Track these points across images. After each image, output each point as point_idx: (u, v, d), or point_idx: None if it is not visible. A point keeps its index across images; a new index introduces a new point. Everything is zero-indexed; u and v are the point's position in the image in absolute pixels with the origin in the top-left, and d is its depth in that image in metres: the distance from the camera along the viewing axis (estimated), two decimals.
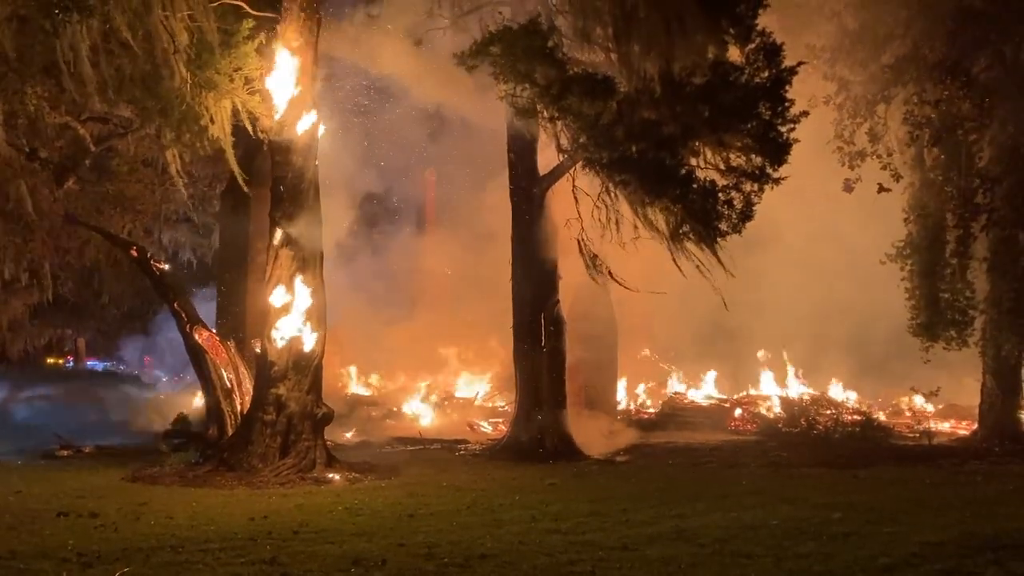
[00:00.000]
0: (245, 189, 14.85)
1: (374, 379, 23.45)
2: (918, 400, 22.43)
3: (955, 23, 17.22)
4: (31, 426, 18.76)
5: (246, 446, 13.01)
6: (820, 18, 18.75)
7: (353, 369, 23.08)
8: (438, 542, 8.40)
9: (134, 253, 16.25)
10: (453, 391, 23.08)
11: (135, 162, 19.42)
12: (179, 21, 12.22)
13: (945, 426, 21.33)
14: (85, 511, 9.77)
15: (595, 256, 15.22)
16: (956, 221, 18.16)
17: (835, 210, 21.56)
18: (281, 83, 13.39)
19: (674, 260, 13.70)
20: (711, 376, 25.13)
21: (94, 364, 36.55)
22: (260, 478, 12.41)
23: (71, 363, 36.77)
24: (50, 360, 35.31)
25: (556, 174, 15.71)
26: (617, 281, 15.37)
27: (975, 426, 19.19)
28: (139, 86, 13.30)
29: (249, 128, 13.75)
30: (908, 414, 22.36)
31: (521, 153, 16.34)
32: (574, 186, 14.96)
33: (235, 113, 13.70)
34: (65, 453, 15.53)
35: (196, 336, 15.01)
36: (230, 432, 14.26)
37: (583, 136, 13.62)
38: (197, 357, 15.05)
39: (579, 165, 14.53)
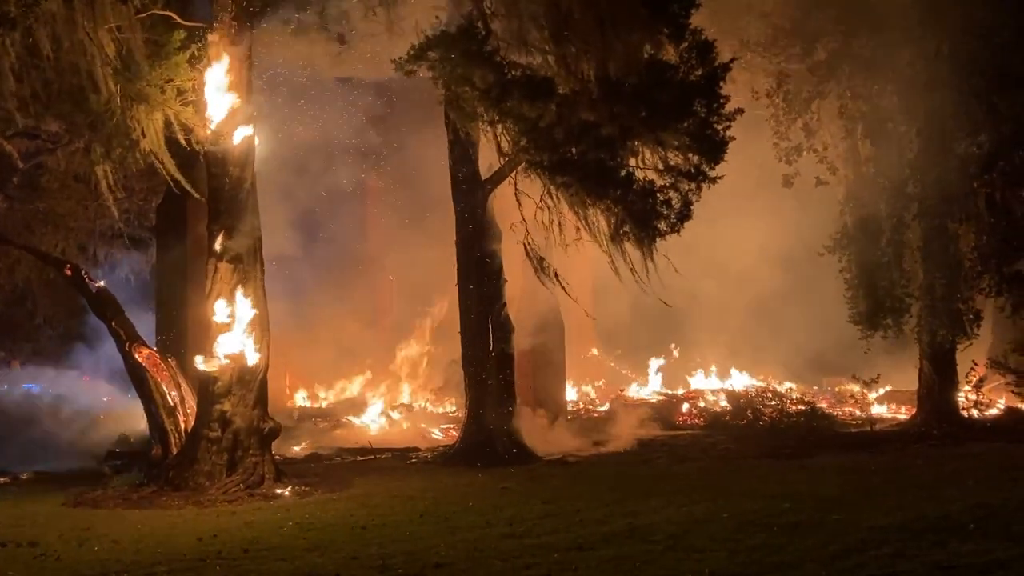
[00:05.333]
0: (195, 194, 14.51)
1: (321, 391, 23.16)
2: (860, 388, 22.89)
3: (881, 19, 17.66)
4: None
5: (191, 464, 12.74)
6: (751, 16, 19.10)
7: (299, 381, 22.76)
8: (392, 553, 8.33)
9: (68, 271, 15.77)
10: (401, 399, 22.90)
11: (66, 178, 18.90)
12: (106, 33, 11.90)
13: (886, 412, 21.84)
14: (24, 540, 9.42)
15: (542, 259, 15.29)
16: (889, 212, 18.59)
17: (771, 200, 21.92)
18: (215, 93, 13.12)
19: (611, 263, 13.83)
20: (657, 372, 25.41)
21: (30, 386, 35.44)
22: (207, 496, 12.16)
23: (5, 387, 35.61)
24: None
25: (498, 178, 15.72)
26: (563, 287, 15.46)
27: (914, 411, 19.70)
28: (67, 100, 12.95)
29: (182, 140, 13.48)
30: (851, 401, 22.80)
31: (462, 157, 16.30)
32: (516, 189, 14.99)
33: (168, 125, 13.42)
34: (1, 480, 15.03)
35: (136, 355, 14.63)
36: (175, 451, 13.93)
37: (524, 139, 13.68)
38: (137, 376, 14.68)
39: (521, 168, 14.58)
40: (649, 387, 24.94)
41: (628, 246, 13.71)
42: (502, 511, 10.44)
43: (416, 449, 17.79)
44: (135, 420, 17.91)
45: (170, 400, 14.48)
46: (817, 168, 19.31)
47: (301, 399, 22.67)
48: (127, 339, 14.73)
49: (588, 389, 25.11)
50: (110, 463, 15.72)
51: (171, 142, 13.66)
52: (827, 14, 18.22)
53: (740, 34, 18.68)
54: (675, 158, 13.51)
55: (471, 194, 16.27)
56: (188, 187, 14.21)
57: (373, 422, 20.89)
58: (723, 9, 17.74)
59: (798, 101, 18.80)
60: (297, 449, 17.99)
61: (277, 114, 19.07)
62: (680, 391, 24.39)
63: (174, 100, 13.24)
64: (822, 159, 19.18)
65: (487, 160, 16.11)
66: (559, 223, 14.52)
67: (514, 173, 14.94)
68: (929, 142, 17.89)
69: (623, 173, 13.46)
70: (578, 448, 17.06)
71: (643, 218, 13.44)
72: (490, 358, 16.27)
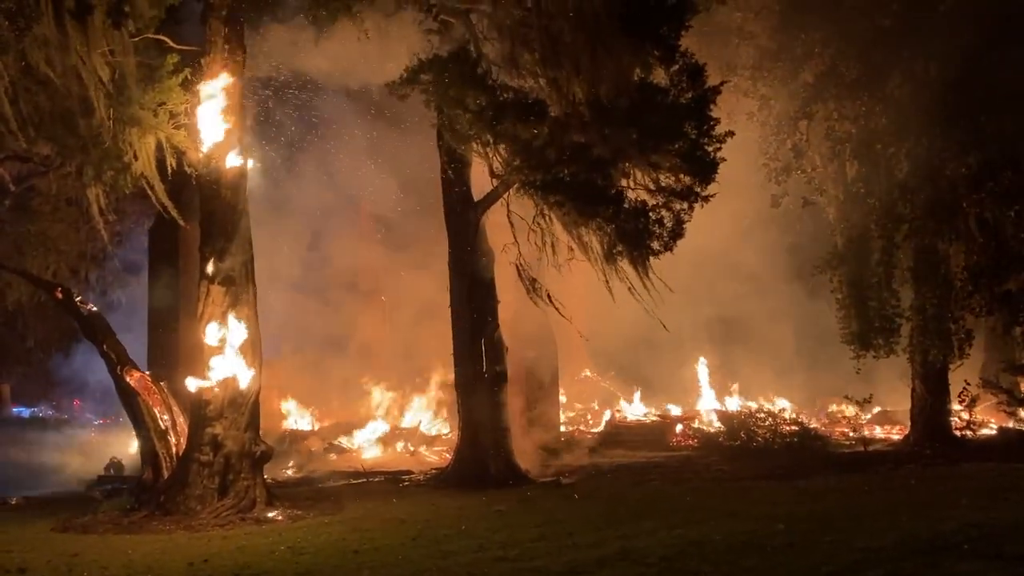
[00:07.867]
0: (180, 222, 14.54)
1: (313, 413, 23.05)
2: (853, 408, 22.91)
3: (868, 42, 17.83)
4: None
5: (183, 488, 12.66)
6: (739, 39, 19.27)
7: (292, 404, 22.66)
8: None
9: (59, 295, 15.74)
10: (396, 421, 22.80)
11: (57, 201, 18.94)
12: (99, 57, 11.94)
13: (879, 432, 21.83)
14: (12, 566, 9.36)
15: (534, 280, 15.31)
16: (880, 232, 18.67)
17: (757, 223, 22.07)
18: (207, 116, 13.18)
19: (606, 283, 13.86)
20: (650, 393, 25.36)
21: (20, 411, 35.20)
22: (198, 521, 12.07)
23: None
24: None
25: (491, 199, 15.76)
26: (556, 308, 15.48)
27: (907, 431, 19.69)
28: (59, 123, 12.97)
29: (172, 163, 13.51)
30: (844, 421, 22.80)
31: (455, 179, 16.34)
32: (509, 211, 15.03)
33: (160, 148, 13.44)
34: None
35: (127, 378, 14.56)
36: (166, 475, 13.84)
37: (517, 159, 13.75)
38: (129, 399, 14.61)
39: (513, 189, 14.64)
40: (643, 408, 24.88)
41: (623, 267, 13.74)
42: (495, 534, 10.38)
43: (409, 472, 17.69)
44: (126, 444, 17.84)
45: (161, 423, 14.40)
46: (805, 188, 19.46)
47: (293, 422, 22.55)
48: (118, 362, 14.67)
49: (582, 410, 25.05)
50: (100, 487, 15.60)
51: (163, 166, 13.67)
52: (814, 37, 18.38)
53: (728, 57, 18.82)
54: (666, 179, 13.57)
55: (464, 215, 16.30)
56: (175, 214, 14.21)
57: (366, 444, 20.81)
58: (711, 32, 17.91)
59: (785, 121, 18.92)
60: (289, 472, 17.89)
61: (271, 134, 19.19)
62: (674, 411, 24.35)
63: (167, 123, 13.27)
64: (810, 180, 19.31)
65: (479, 183, 16.16)
66: (552, 244, 14.57)
67: (507, 194, 15.00)
68: (918, 163, 18.00)
69: (614, 193, 13.53)
70: (572, 470, 17.01)
71: (635, 237, 13.48)
72: (483, 379, 16.22)
